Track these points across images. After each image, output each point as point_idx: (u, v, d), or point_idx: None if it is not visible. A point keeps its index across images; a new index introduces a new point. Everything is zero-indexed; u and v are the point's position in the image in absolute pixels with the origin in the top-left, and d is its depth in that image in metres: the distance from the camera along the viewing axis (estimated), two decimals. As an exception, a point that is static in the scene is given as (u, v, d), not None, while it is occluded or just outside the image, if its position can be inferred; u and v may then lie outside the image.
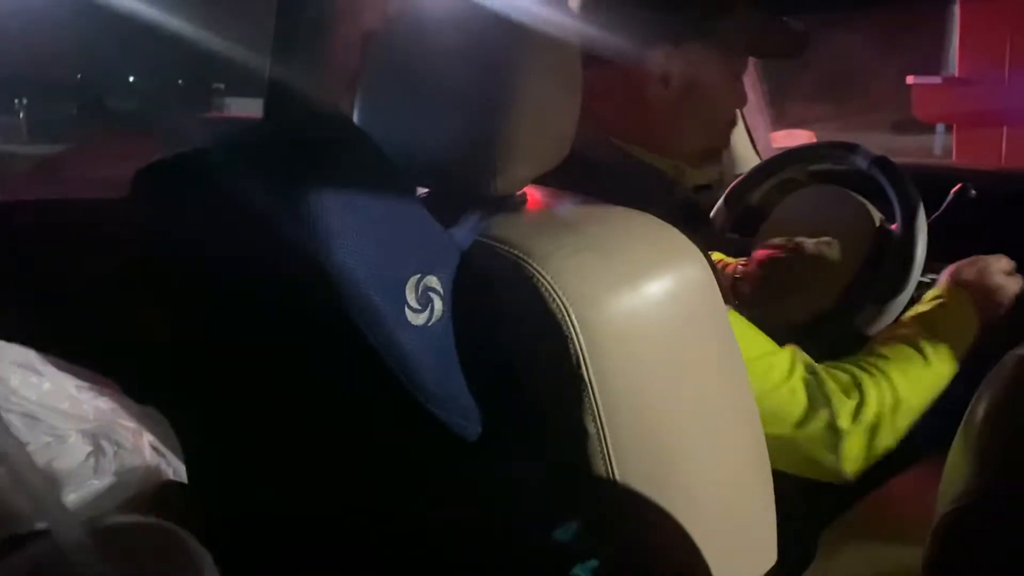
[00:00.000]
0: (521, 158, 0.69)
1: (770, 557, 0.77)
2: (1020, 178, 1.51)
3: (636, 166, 0.89)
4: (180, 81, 8.73)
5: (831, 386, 0.82)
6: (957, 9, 3.68)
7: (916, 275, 1.14)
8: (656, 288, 0.67)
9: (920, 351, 0.89)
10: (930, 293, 1.03)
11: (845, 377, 0.85)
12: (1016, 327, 0.94)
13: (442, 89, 0.71)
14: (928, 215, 1.17)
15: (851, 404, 0.82)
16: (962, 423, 0.59)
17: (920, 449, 0.87)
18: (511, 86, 0.68)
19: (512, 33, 0.68)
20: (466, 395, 0.63)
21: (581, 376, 0.63)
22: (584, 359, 0.63)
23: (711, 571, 0.68)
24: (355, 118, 0.78)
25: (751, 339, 0.81)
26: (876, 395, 0.83)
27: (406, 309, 0.61)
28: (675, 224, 0.83)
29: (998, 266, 1.05)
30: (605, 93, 0.88)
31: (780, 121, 1.89)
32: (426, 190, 0.78)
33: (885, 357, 0.88)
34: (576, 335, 0.62)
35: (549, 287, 0.63)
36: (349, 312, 0.59)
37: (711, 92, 0.92)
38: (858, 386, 0.83)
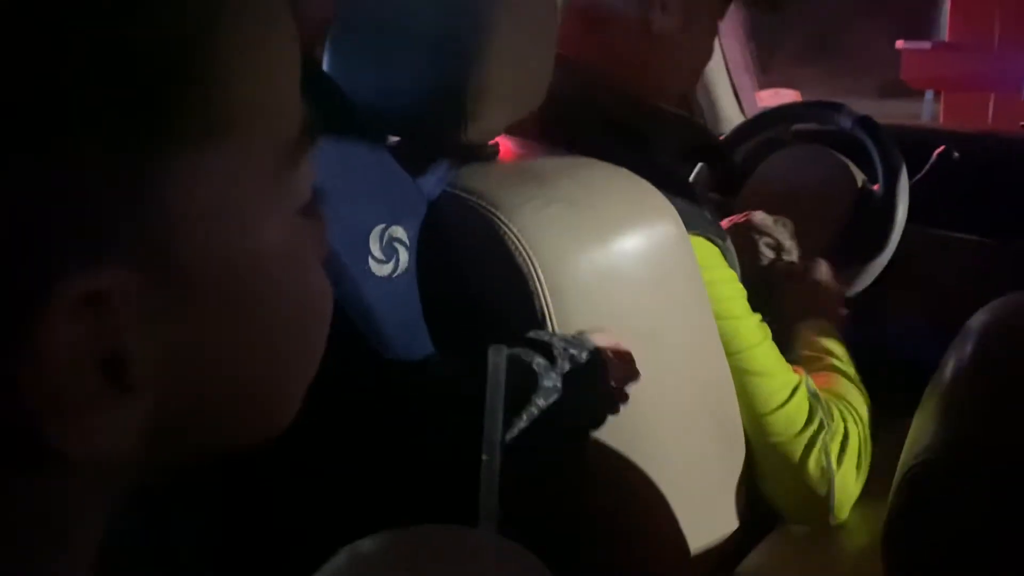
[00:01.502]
0: (493, 105, 0.67)
1: (732, 522, 0.77)
2: (1003, 141, 1.50)
3: (668, 116, 0.87)
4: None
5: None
6: (949, -27, 3.65)
7: (897, 236, 1.13)
8: (626, 245, 0.65)
9: (849, 377, 0.87)
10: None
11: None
12: (978, 291, 0.93)
13: (412, 34, 0.68)
14: (911, 177, 1.17)
15: (837, 443, 0.79)
16: (930, 383, 0.58)
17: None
18: (482, 31, 0.65)
19: None
20: (428, 347, 0.62)
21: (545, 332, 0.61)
22: (549, 315, 0.61)
23: (672, 529, 0.68)
24: (325, 65, 0.75)
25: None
26: (856, 435, 0.81)
27: (370, 259, 0.59)
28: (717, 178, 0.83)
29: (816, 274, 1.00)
30: (607, 20, 0.87)
31: (767, 81, 1.86)
32: (397, 139, 0.75)
33: (839, 389, 0.85)
34: (541, 290, 0.61)
35: (516, 240, 0.61)
36: None
37: (700, 31, 0.90)
38: (845, 427, 0.81)
